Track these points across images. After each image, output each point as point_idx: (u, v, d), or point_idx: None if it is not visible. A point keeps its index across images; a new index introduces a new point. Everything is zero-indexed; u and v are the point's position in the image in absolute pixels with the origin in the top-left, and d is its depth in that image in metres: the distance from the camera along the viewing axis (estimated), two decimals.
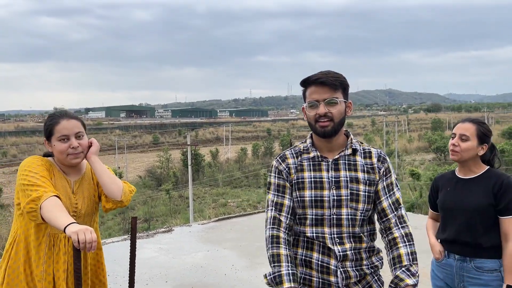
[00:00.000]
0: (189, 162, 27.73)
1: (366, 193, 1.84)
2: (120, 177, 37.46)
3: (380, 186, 1.87)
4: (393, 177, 1.91)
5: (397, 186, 1.92)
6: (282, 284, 1.72)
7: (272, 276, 1.76)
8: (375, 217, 1.94)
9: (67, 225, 1.75)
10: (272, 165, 1.94)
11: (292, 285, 1.72)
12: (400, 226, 1.84)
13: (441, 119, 77.69)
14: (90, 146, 2.18)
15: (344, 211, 1.81)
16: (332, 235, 1.81)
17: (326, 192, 1.82)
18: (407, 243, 1.80)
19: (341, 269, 1.80)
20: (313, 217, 1.83)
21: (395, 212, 1.86)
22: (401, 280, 1.74)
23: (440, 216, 2.55)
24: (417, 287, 1.75)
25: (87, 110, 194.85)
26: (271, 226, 1.85)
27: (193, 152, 33.07)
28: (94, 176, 2.26)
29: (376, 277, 1.90)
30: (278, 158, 1.94)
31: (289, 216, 1.86)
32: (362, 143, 1.94)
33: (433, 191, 2.62)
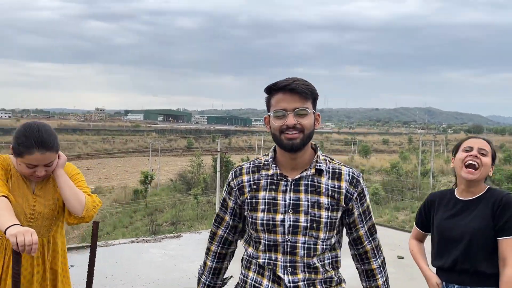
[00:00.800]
0: (218, 168, 27.85)
1: (329, 220, 1.64)
2: (151, 179, 38.16)
3: (356, 214, 1.71)
4: (368, 199, 1.74)
5: (371, 209, 1.76)
6: None
7: (198, 277, 1.92)
8: (339, 243, 1.76)
9: (8, 227, 1.67)
10: (228, 176, 1.80)
11: None
12: (377, 256, 1.79)
13: None
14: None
15: (300, 238, 1.62)
16: (285, 263, 1.64)
17: (279, 216, 1.64)
18: (382, 272, 1.79)
19: None
20: (266, 242, 1.66)
21: (370, 239, 1.76)
22: None
23: (435, 240, 2.29)
24: None
25: (127, 112, 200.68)
26: (208, 239, 1.90)
27: (224, 159, 33.24)
28: None
29: None
30: (233, 171, 1.78)
31: (227, 230, 1.83)
32: (332, 160, 1.73)
33: (426, 208, 2.35)
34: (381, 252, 1.79)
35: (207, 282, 1.86)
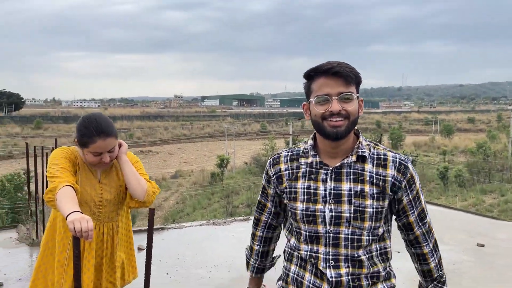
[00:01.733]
0: None
1: (374, 209, 1.54)
2: (227, 162, 39.32)
3: (405, 201, 1.61)
4: (418, 184, 1.62)
5: (421, 192, 1.66)
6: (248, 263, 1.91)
7: (246, 260, 1.93)
8: (388, 232, 1.65)
9: (68, 214, 1.79)
10: (266, 164, 1.76)
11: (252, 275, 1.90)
12: (429, 240, 1.70)
13: None
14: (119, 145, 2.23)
15: (343, 229, 1.54)
16: (327, 256, 1.55)
17: (319, 206, 1.55)
18: (434, 256, 1.71)
19: None
20: (307, 233, 1.60)
21: (420, 224, 1.67)
22: None
23: None
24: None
25: (203, 98, 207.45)
26: (252, 225, 1.91)
27: (296, 141, 33.23)
28: None
29: None
30: (271, 159, 1.73)
31: (270, 216, 1.81)
32: (377, 145, 1.61)
33: None
34: (432, 234, 1.70)
35: (256, 265, 1.88)
